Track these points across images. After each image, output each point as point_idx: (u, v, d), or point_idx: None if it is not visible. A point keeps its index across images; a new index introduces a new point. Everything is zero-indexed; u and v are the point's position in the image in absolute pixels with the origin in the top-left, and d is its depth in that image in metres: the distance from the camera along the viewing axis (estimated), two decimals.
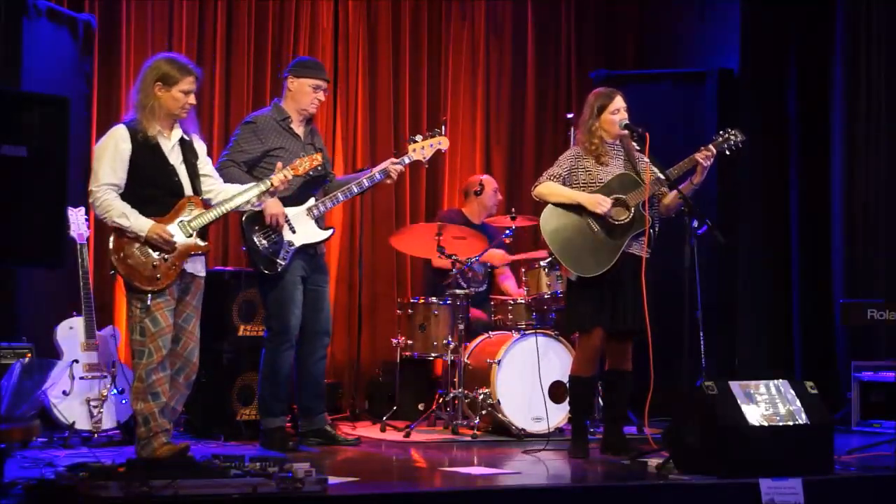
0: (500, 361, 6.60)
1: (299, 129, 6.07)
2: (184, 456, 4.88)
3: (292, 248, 5.89)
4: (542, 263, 6.80)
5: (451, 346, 6.75)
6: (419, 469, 5.67)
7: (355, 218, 7.64)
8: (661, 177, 5.62)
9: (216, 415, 6.36)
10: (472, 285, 7.04)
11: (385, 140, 8.12)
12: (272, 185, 5.28)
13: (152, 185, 5.04)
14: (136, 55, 7.36)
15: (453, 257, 6.76)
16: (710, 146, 5.66)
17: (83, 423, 5.93)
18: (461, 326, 6.73)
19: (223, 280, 6.47)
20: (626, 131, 5.70)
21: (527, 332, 6.70)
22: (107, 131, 5.14)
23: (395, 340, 7.06)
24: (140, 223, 4.97)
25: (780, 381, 5.14)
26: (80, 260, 6.05)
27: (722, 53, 8.00)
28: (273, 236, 5.88)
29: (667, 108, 7.82)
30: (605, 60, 8.56)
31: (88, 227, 6.19)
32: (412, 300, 7.14)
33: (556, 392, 6.60)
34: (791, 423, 4.99)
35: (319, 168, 5.65)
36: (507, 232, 7.03)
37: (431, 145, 6.16)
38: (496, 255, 7.41)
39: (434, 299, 7.03)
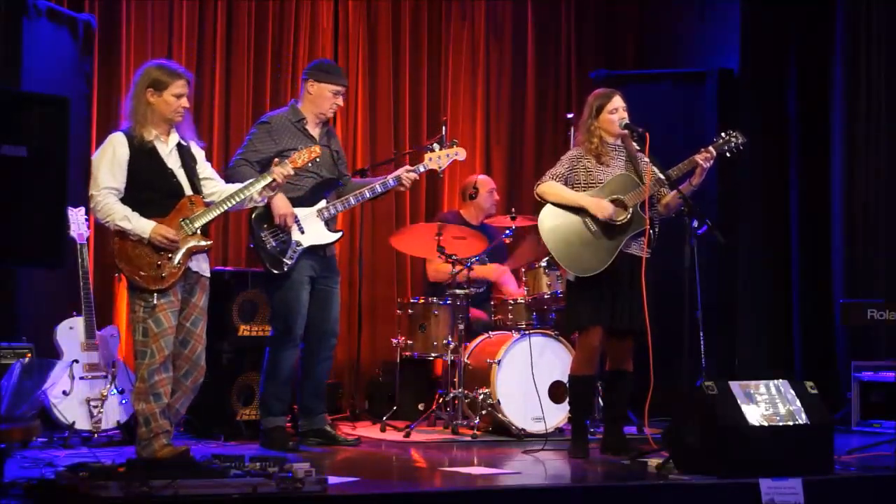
0: (500, 361, 6.60)
1: (315, 131, 6.07)
2: (184, 458, 4.88)
3: (300, 248, 5.91)
4: (541, 263, 6.80)
5: (451, 346, 6.75)
6: (419, 469, 5.68)
7: (355, 218, 7.63)
8: (662, 177, 5.62)
9: (216, 415, 6.36)
10: (473, 286, 7.03)
11: (385, 140, 8.12)
12: (273, 179, 5.27)
13: (151, 189, 5.05)
14: (136, 55, 7.35)
15: (453, 258, 6.75)
16: (711, 148, 5.66)
17: (83, 423, 5.93)
18: (461, 326, 6.73)
19: (223, 280, 6.47)
20: (626, 131, 5.71)
21: (527, 332, 6.70)
22: (107, 131, 5.17)
23: (395, 340, 7.06)
24: (142, 225, 4.98)
25: (780, 381, 5.14)
26: (80, 260, 6.05)
27: (722, 53, 8.00)
28: (281, 235, 5.90)
29: (667, 108, 7.82)
30: (605, 60, 8.56)
31: (88, 227, 6.19)
32: (412, 300, 7.14)
33: (557, 392, 6.60)
34: (791, 423, 4.99)
35: (318, 160, 5.66)
36: (507, 232, 7.03)
37: (448, 155, 6.24)
38: (491, 271, 7.39)
39: (434, 299, 7.04)
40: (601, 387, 6.47)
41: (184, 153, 5.18)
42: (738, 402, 4.97)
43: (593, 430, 6.22)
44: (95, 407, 5.95)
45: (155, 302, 4.97)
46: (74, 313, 6.07)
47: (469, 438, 6.45)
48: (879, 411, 6.99)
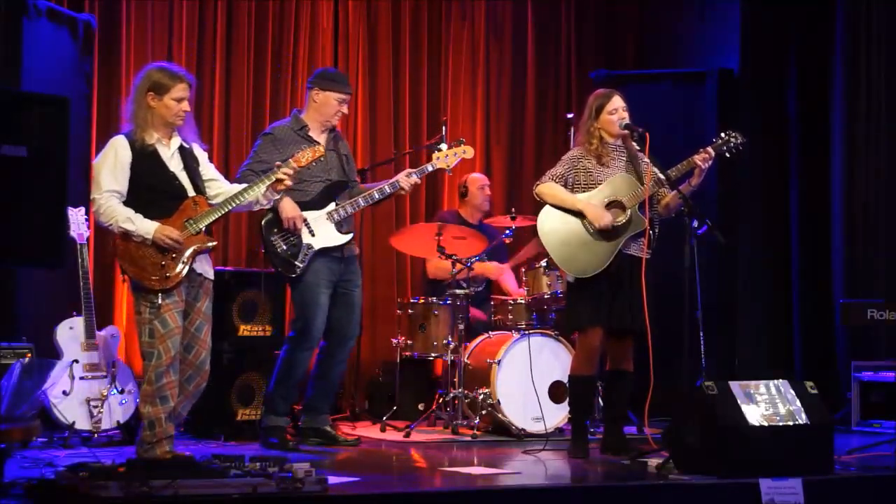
0: (500, 361, 6.60)
1: (320, 137, 6.09)
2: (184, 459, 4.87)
3: (311, 250, 5.93)
4: (542, 263, 6.80)
5: (451, 346, 6.75)
6: (419, 469, 5.68)
7: (355, 218, 7.62)
8: (662, 177, 5.62)
9: (216, 415, 6.36)
10: (472, 285, 7.04)
11: (385, 140, 8.12)
12: (277, 178, 5.26)
13: (154, 191, 5.03)
14: (136, 55, 7.36)
15: (453, 257, 6.76)
16: (709, 148, 5.65)
17: (83, 423, 5.93)
18: (461, 326, 6.73)
19: (223, 280, 6.45)
20: (626, 132, 5.71)
21: (527, 332, 6.70)
22: (107, 131, 5.18)
23: (395, 340, 7.06)
24: (145, 226, 4.97)
25: (780, 381, 5.14)
26: (80, 260, 6.05)
27: (722, 53, 8.00)
28: (291, 239, 5.92)
29: (667, 108, 7.82)
30: (605, 60, 8.56)
31: (88, 227, 6.19)
32: (412, 300, 7.14)
33: (556, 392, 6.60)
34: (791, 423, 4.99)
35: (323, 161, 5.66)
36: (507, 232, 7.03)
37: (456, 154, 6.28)
38: (491, 269, 7.39)
39: (434, 299, 7.04)
40: (601, 387, 6.47)
41: (186, 155, 5.17)
42: (738, 402, 4.97)
43: (593, 430, 6.22)
44: (95, 407, 5.95)
45: (160, 302, 4.96)
46: (74, 313, 6.07)
47: (469, 438, 6.45)
48: (879, 411, 6.99)
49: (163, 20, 7.50)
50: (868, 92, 7.54)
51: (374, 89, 8.15)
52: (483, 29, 8.49)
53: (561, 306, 6.67)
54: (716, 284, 7.44)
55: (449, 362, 6.76)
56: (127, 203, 5.00)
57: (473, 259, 6.94)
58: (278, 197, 5.45)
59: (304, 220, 5.94)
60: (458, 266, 6.79)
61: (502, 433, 6.62)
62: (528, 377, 6.53)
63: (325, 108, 6.08)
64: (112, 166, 5.00)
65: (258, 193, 5.23)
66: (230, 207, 5.17)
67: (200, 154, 5.27)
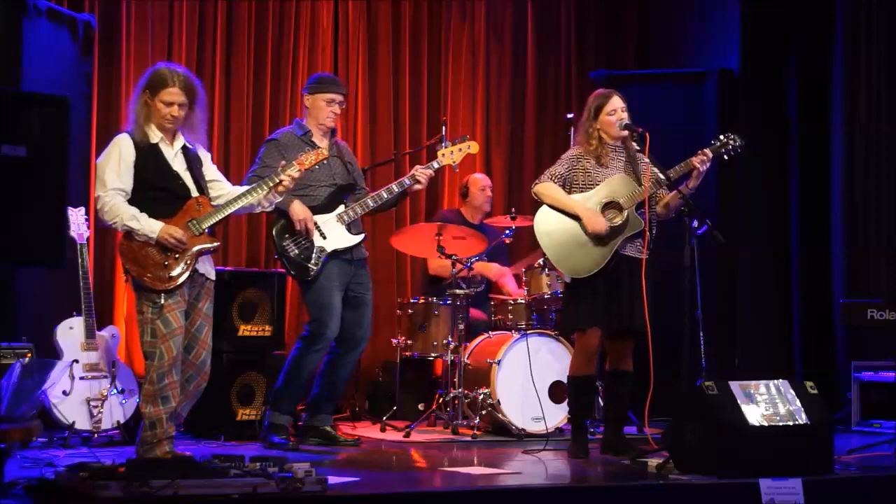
0: (499, 361, 6.60)
1: (322, 143, 6.12)
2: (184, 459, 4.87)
3: (324, 253, 5.96)
4: (540, 263, 6.81)
5: (451, 346, 6.75)
6: (419, 469, 5.68)
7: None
8: (662, 177, 5.62)
9: (216, 415, 6.35)
10: (472, 285, 7.04)
11: (385, 140, 8.12)
12: (280, 180, 5.25)
13: (157, 190, 5.02)
14: (136, 55, 7.36)
15: (453, 257, 6.76)
16: (708, 150, 5.65)
17: (83, 423, 5.93)
18: (461, 326, 6.73)
19: (223, 280, 6.45)
20: (626, 132, 5.70)
21: (527, 332, 6.70)
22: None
23: (395, 340, 7.07)
24: (150, 225, 4.95)
25: (780, 381, 5.14)
26: (80, 260, 6.05)
27: (722, 53, 8.00)
28: (303, 243, 5.96)
29: (667, 108, 7.81)
30: (606, 60, 8.56)
31: (88, 227, 6.19)
32: (412, 300, 7.14)
33: (556, 392, 6.60)
34: (791, 423, 4.99)
35: (326, 162, 5.68)
36: (507, 232, 7.03)
37: (461, 150, 6.33)
38: (492, 270, 7.39)
39: (434, 299, 7.04)
40: (601, 387, 6.47)
41: (189, 155, 5.16)
42: (738, 402, 4.97)
43: (593, 430, 6.22)
44: (95, 407, 5.95)
45: (162, 302, 4.94)
46: (74, 313, 6.07)
47: (469, 438, 6.45)
48: (879, 411, 6.99)
49: (163, 20, 7.50)
50: (868, 92, 7.54)
51: (374, 89, 8.15)
52: (483, 29, 8.48)
53: (560, 307, 6.67)
54: (716, 284, 7.44)
55: (449, 362, 6.76)
56: (131, 202, 4.98)
57: (473, 259, 6.94)
58: (280, 199, 5.44)
59: (315, 224, 5.97)
60: (459, 265, 6.79)
61: (502, 433, 6.62)
62: (527, 377, 6.53)
63: (315, 111, 6.15)
64: (116, 165, 4.98)
65: (260, 196, 5.22)
66: (233, 209, 5.16)
67: (204, 154, 5.26)
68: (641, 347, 5.47)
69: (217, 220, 5.12)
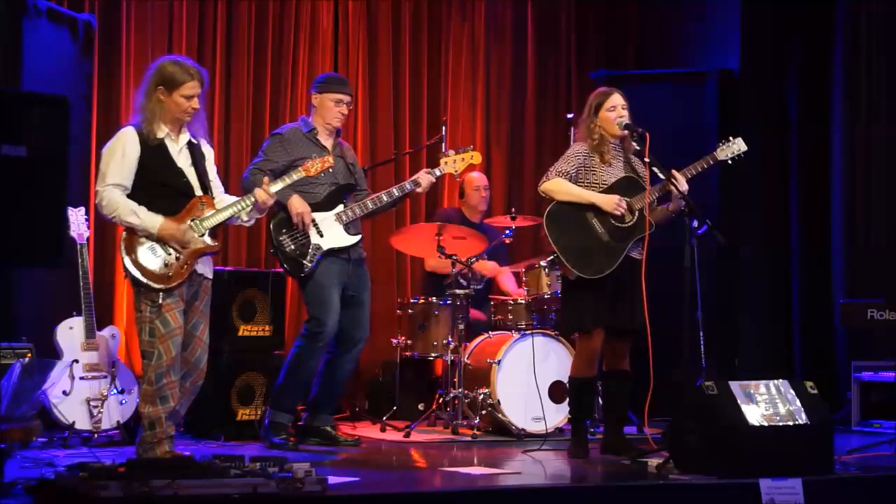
0: (499, 361, 6.60)
1: (327, 142, 6.15)
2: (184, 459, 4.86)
3: (319, 251, 5.96)
4: (542, 263, 6.80)
5: (451, 346, 6.75)
6: (419, 469, 5.67)
7: None
8: (662, 177, 5.61)
9: (216, 415, 6.35)
10: (472, 283, 7.03)
11: (385, 140, 8.12)
12: (257, 199, 5.16)
13: (161, 186, 4.99)
14: (136, 55, 7.36)
15: (453, 257, 6.76)
16: (685, 171, 5.60)
17: (83, 423, 5.93)
18: (461, 326, 6.73)
19: (223, 280, 6.46)
20: (626, 132, 5.69)
21: (527, 332, 6.70)
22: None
23: (395, 340, 7.07)
24: (151, 220, 4.92)
25: (780, 381, 5.14)
26: (80, 260, 6.05)
27: (722, 53, 8.00)
28: (300, 239, 5.96)
29: (667, 108, 7.80)
30: (606, 60, 8.56)
31: (88, 227, 6.19)
32: (412, 300, 7.14)
33: (556, 392, 6.60)
34: (791, 423, 4.99)
35: (331, 170, 5.68)
36: (507, 232, 7.03)
37: (463, 159, 6.36)
38: (487, 267, 7.39)
39: (434, 299, 7.04)
40: (601, 387, 6.46)
41: (194, 151, 5.13)
42: (738, 402, 4.97)
43: (593, 430, 6.21)
44: (95, 407, 5.95)
45: (161, 301, 4.92)
46: (74, 313, 6.07)
47: (469, 438, 6.45)
48: (879, 411, 6.99)
49: (163, 20, 7.50)
50: (868, 92, 7.54)
51: (374, 90, 8.15)
52: (483, 29, 8.49)
53: (560, 306, 6.66)
54: (716, 284, 7.44)
55: (449, 362, 6.76)
56: (132, 197, 4.94)
57: (472, 260, 6.93)
58: (260, 216, 5.39)
59: (313, 221, 5.97)
60: (458, 265, 6.79)
61: (502, 433, 6.62)
62: (528, 377, 6.53)
63: (323, 111, 6.15)
64: (119, 159, 4.94)
65: (242, 213, 5.13)
66: (227, 215, 5.11)
67: (208, 152, 5.23)
68: (641, 347, 5.46)
69: (218, 222, 5.09)
